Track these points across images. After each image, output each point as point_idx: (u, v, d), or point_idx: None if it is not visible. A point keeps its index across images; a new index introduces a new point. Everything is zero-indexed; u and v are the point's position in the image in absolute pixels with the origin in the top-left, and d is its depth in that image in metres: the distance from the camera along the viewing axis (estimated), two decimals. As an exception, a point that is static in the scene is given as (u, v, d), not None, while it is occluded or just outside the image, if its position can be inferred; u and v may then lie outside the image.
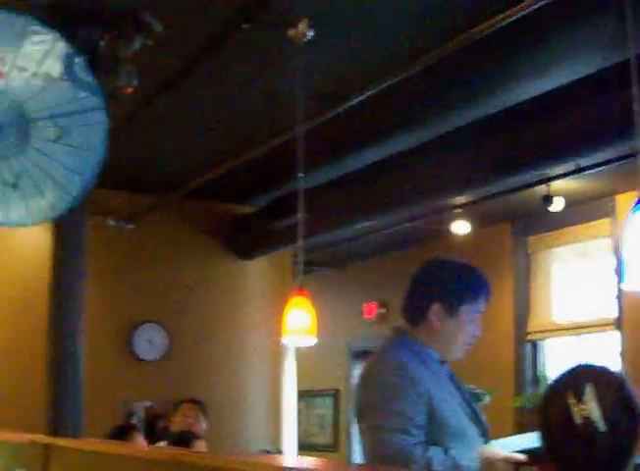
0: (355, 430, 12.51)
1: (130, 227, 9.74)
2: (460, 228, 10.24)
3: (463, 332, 3.41)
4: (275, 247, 10.01)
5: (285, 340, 5.78)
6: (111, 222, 9.59)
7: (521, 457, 3.21)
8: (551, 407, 2.63)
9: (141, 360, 9.87)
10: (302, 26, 3.55)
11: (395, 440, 3.12)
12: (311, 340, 5.66)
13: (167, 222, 10.11)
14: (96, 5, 4.27)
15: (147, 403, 9.78)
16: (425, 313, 3.39)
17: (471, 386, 3.74)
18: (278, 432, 10.50)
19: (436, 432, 3.22)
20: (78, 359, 4.19)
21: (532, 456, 3.17)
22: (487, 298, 3.48)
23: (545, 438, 2.65)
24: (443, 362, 3.45)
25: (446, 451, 3.19)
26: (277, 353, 10.48)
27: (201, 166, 8.48)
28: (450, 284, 3.40)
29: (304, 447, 12.55)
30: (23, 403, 8.95)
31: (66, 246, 4.24)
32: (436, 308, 3.38)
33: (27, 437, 4.62)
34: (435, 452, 3.17)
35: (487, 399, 3.93)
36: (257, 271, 10.59)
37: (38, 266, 8.87)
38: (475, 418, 3.40)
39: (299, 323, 5.57)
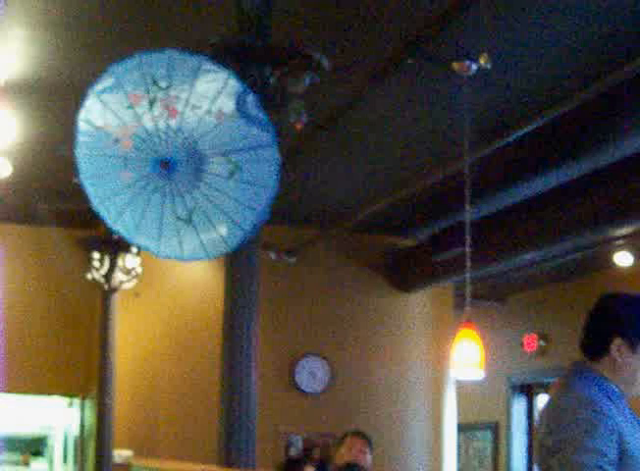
0: (516, 464, 12.46)
1: (292, 260, 9.80)
2: (623, 259, 9.94)
3: (645, 366, 3.27)
4: (437, 280, 9.92)
5: (452, 372, 5.68)
6: (273, 255, 9.65)
7: None
8: None
9: (303, 392, 9.90)
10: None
11: None
12: (479, 373, 5.53)
13: (328, 255, 10.14)
14: (266, 43, 4.30)
15: (304, 435, 9.80)
16: (606, 348, 3.26)
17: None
18: (438, 465, 10.35)
19: (624, 468, 3.08)
20: (250, 391, 4.19)
21: None
22: (668, 332, 3.33)
23: None
24: (623, 397, 3.31)
25: None
26: (437, 386, 10.35)
27: (364, 199, 8.48)
28: (631, 318, 3.27)
29: (464, 481, 12.42)
30: (194, 434, 9.11)
31: (238, 280, 4.26)
32: (617, 343, 3.25)
33: (200, 467, 4.64)
34: None
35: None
36: (418, 304, 10.49)
37: (211, 299, 9.04)
38: (656, 453, 3.23)
39: (467, 356, 5.47)
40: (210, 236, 3.97)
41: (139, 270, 8.76)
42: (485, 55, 3.48)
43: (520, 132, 6.28)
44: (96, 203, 4.04)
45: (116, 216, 4.02)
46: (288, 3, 4.85)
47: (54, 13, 5.32)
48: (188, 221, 3.92)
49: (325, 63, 4.28)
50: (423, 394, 10.35)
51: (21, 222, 10.12)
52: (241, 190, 3.87)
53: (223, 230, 3.93)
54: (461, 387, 10.55)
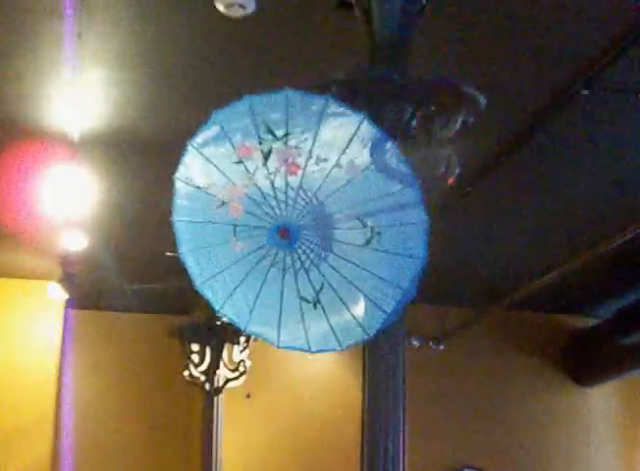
0: None
1: (440, 348, 9.76)
2: None
3: None
4: (625, 369, 9.73)
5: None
6: (417, 342, 9.64)
7: None
8: None
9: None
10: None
11: None
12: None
13: (484, 340, 10.07)
14: (407, 77, 4.29)
15: None
16: None
17: None
18: None
19: None
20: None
21: None
22: None
23: None
24: None
25: None
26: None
27: (526, 270, 8.38)
28: None
29: None
30: None
31: (380, 375, 4.22)
32: None
33: None
34: None
35: None
36: (600, 400, 10.31)
37: (340, 399, 9.05)
38: None
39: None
40: (343, 321, 3.94)
41: (249, 364, 8.79)
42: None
43: None
44: (200, 282, 4.07)
45: (224, 297, 4.04)
46: (428, 27, 4.85)
47: (137, 50, 5.41)
48: (315, 302, 3.91)
49: (480, 100, 4.26)
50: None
51: (101, 307, 10.29)
52: (381, 262, 3.83)
53: (359, 312, 3.91)
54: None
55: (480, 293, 9.27)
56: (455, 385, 10.04)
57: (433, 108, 4.25)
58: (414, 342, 9.67)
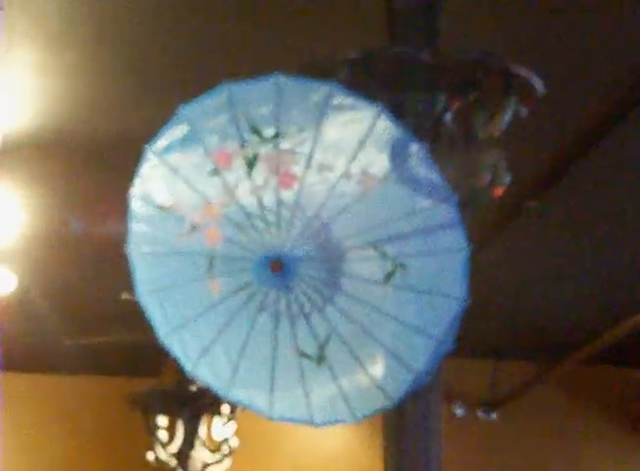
0: None
1: (491, 417, 9.77)
2: None
3: None
4: None
5: None
6: (460, 411, 9.65)
7: None
8: None
9: None
10: None
11: None
12: None
13: (552, 406, 10.07)
14: (436, 55, 4.31)
15: None
16: None
17: None
18: None
19: None
20: None
21: None
22: None
23: None
24: None
25: None
26: None
27: (610, 313, 8.40)
28: None
29: None
30: None
31: (406, 455, 4.25)
32: None
33: None
34: None
35: None
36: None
37: None
38: None
39: None
40: (356, 383, 3.96)
41: (235, 443, 8.80)
42: None
43: None
44: (165, 334, 4.10)
45: (198, 354, 4.07)
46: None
47: (80, 26, 5.43)
48: (319, 358, 3.93)
49: (539, 88, 4.28)
50: None
51: (38, 369, 10.31)
52: (407, 303, 3.85)
53: (378, 371, 3.92)
54: None
55: (544, 344, 9.29)
56: (514, 466, 10.06)
57: (473, 96, 4.27)
58: (457, 411, 9.68)
